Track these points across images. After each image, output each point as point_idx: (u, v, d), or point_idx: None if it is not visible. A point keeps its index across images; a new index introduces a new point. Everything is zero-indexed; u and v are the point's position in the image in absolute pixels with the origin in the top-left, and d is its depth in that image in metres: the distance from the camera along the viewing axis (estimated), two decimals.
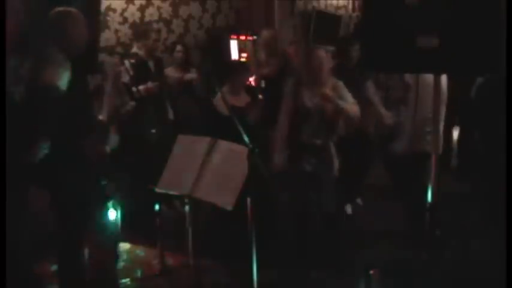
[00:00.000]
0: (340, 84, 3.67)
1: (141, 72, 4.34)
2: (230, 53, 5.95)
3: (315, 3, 7.48)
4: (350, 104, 3.56)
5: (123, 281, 3.39)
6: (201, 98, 5.01)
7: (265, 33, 4.83)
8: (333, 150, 3.68)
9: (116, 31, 5.49)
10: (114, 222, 3.03)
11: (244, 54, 5.99)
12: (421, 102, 3.68)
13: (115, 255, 2.98)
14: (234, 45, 6.00)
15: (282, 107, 3.73)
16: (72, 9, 2.79)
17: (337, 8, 8.02)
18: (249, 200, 2.69)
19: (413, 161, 3.71)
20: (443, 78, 3.65)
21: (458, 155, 5.88)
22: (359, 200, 4.92)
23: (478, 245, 3.69)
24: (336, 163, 3.67)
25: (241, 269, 2.97)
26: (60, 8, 2.77)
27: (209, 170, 2.90)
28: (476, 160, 5.08)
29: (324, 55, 3.65)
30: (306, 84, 3.64)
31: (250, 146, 2.66)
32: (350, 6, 8.22)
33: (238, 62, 5.78)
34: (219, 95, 3.49)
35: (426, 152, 2.95)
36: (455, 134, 6.02)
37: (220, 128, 3.16)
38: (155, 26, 5.53)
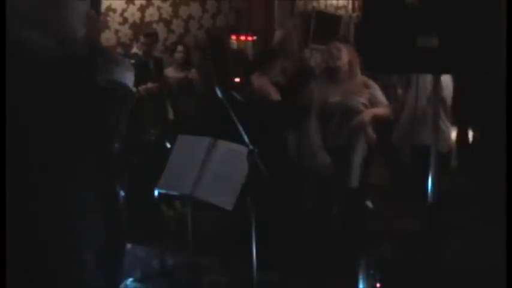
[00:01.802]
0: (373, 84, 3.56)
1: (141, 72, 4.34)
2: (230, 53, 5.95)
3: (315, 3, 7.47)
4: (380, 109, 3.47)
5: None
6: (200, 95, 5.00)
7: (279, 33, 4.74)
8: (356, 159, 3.54)
9: (116, 31, 5.49)
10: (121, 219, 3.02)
11: None
12: (421, 96, 3.68)
13: (121, 255, 2.97)
14: (234, 45, 6.00)
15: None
16: (88, 9, 2.83)
17: (337, 8, 8.01)
18: (249, 200, 2.69)
19: (414, 157, 3.71)
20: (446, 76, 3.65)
21: (458, 155, 5.86)
22: (369, 203, 4.88)
23: (478, 244, 3.69)
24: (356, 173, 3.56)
25: (241, 269, 2.97)
26: None
27: (209, 170, 2.89)
28: (477, 159, 5.08)
29: (343, 50, 3.51)
30: (327, 81, 3.59)
31: (250, 146, 2.66)
32: (350, 6, 8.22)
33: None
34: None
35: (426, 146, 2.93)
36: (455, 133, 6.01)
37: (221, 126, 3.15)
38: (154, 26, 5.54)
